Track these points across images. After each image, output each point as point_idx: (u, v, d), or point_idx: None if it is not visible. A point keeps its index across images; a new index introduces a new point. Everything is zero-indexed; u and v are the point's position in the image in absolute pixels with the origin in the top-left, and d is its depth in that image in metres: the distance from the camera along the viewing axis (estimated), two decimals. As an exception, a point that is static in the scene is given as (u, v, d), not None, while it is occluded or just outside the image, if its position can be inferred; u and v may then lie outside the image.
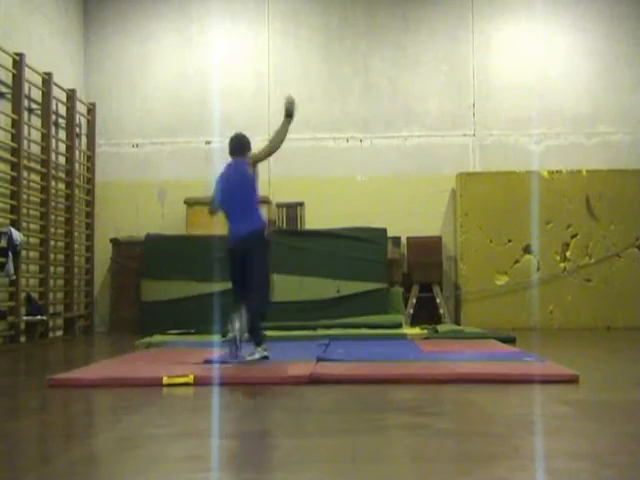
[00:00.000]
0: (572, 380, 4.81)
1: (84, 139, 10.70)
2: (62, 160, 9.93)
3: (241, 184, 6.08)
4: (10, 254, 7.91)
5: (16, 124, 8.54)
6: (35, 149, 9.18)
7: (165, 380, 4.85)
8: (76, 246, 10.15)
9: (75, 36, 10.84)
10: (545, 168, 10.40)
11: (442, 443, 3.25)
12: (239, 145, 6.32)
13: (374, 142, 10.91)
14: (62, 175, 9.90)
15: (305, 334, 8.14)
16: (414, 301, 10.17)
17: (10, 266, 7.90)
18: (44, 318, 8.82)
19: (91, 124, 10.78)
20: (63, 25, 10.41)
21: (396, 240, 10.34)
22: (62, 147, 9.95)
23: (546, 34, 10.94)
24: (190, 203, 10.45)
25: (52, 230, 9.42)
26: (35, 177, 9.15)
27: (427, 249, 10.29)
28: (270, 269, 6.08)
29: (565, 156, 10.70)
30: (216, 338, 8.08)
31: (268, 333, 8.24)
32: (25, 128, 8.82)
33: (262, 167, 10.81)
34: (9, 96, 8.59)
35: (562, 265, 10.16)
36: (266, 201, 10.51)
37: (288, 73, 11.04)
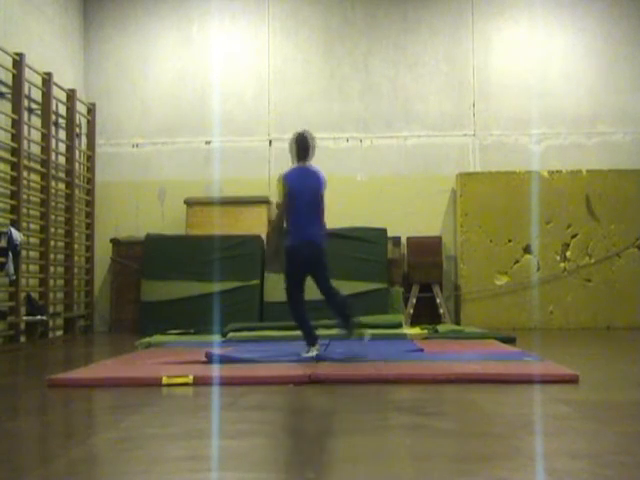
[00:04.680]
0: (572, 380, 4.81)
1: (84, 139, 10.70)
2: (62, 160, 9.93)
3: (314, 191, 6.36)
4: (10, 254, 7.91)
5: (16, 124, 8.54)
6: (35, 149, 9.18)
7: (165, 380, 4.85)
8: (76, 246, 10.15)
9: (75, 36, 10.84)
10: (545, 168, 10.40)
11: (442, 443, 3.25)
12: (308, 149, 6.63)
13: (374, 142, 10.91)
14: (62, 175, 9.90)
15: (305, 334, 8.10)
16: (414, 301, 10.17)
17: (10, 266, 7.90)
18: (44, 318, 8.82)
19: (91, 124, 10.78)
20: (63, 25, 10.41)
21: (396, 240, 10.34)
22: (62, 147, 9.95)
23: (546, 34, 10.94)
24: (190, 203, 10.45)
25: (52, 230, 9.42)
26: (35, 177, 9.15)
27: (427, 249, 10.28)
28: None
29: (565, 156, 10.69)
30: (216, 338, 8.09)
31: (268, 333, 8.28)
32: (25, 128, 8.81)
33: (262, 167, 10.97)
34: (9, 96, 8.60)
35: (562, 265, 10.16)
36: (266, 201, 10.52)
37: (288, 73, 11.04)
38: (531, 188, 10.10)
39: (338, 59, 11.05)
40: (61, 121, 10.00)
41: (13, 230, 8.02)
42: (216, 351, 6.14)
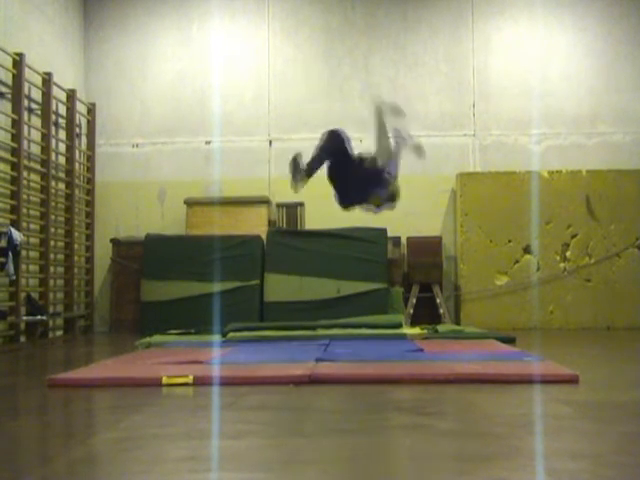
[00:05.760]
0: (572, 380, 4.81)
1: (84, 139, 10.70)
2: (62, 160, 9.93)
3: None
4: (10, 254, 7.91)
5: (16, 124, 8.54)
6: (35, 149, 9.18)
7: (165, 380, 4.85)
8: (76, 246, 10.15)
9: (75, 36, 10.84)
10: (545, 168, 10.41)
11: (442, 443, 3.25)
12: None
13: (374, 142, 10.87)
14: (62, 175, 9.90)
15: (305, 334, 8.13)
16: (414, 301, 10.17)
17: (10, 266, 7.90)
18: (44, 318, 8.82)
19: (91, 124, 10.78)
20: (63, 25, 10.41)
21: (396, 240, 10.34)
22: (62, 147, 9.96)
23: (546, 34, 10.94)
24: (190, 203, 10.46)
25: (52, 230, 9.43)
26: (35, 177, 9.16)
27: (427, 249, 10.28)
28: None
29: (565, 156, 10.70)
30: (216, 338, 8.09)
31: (268, 333, 8.28)
32: (25, 128, 8.82)
33: (263, 167, 10.97)
34: (9, 96, 8.60)
35: (562, 265, 10.16)
36: (266, 201, 10.53)
37: (288, 73, 11.04)
38: (531, 188, 10.10)
39: (338, 59, 11.05)
40: (61, 121, 10.00)
41: (13, 230, 8.02)
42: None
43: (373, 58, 11.03)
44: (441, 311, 10.09)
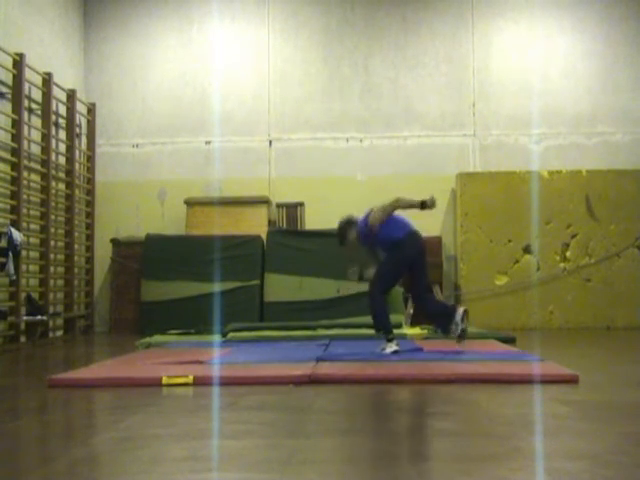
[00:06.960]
0: (572, 380, 4.81)
1: (84, 139, 10.70)
2: (62, 160, 9.93)
3: None
4: (10, 254, 7.91)
5: (16, 124, 8.55)
6: (35, 149, 9.18)
7: (165, 380, 4.85)
8: (76, 246, 10.15)
9: (75, 36, 10.84)
10: (545, 168, 10.41)
11: (442, 443, 3.25)
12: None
13: (374, 142, 10.91)
14: (62, 175, 9.90)
15: (305, 334, 8.13)
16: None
17: (10, 266, 7.90)
18: (44, 318, 8.82)
19: (91, 124, 10.78)
20: (63, 25, 10.41)
21: (396, 240, 10.32)
22: (62, 147, 9.96)
23: (546, 34, 10.95)
24: (190, 203, 10.45)
25: (52, 230, 9.43)
26: (35, 177, 9.16)
27: (427, 249, 10.25)
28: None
29: (565, 156, 10.70)
30: (216, 338, 8.09)
31: (268, 333, 8.29)
32: (25, 128, 8.82)
33: (263, 167, 10.97)
34: (9, 96, 8.60)
35: (562, 265, 10.16)
36: (266, 201, 10.53)
37: (288, 73, 11.05)
38: (531, 188, 10.11)
39: (338, 59, 11.05)
40: (61, 121, 10.00)
41: (13, 230, 8.02)
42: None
43: (373, 59, 11.02)
44: (441, 311, 10.06)
